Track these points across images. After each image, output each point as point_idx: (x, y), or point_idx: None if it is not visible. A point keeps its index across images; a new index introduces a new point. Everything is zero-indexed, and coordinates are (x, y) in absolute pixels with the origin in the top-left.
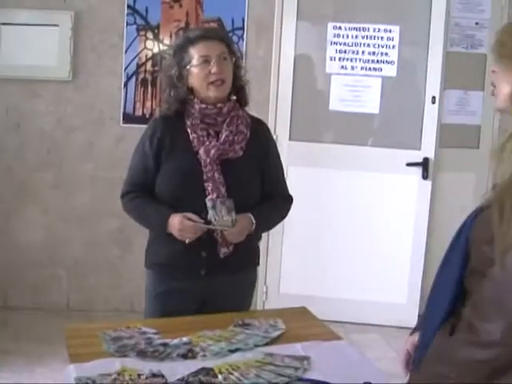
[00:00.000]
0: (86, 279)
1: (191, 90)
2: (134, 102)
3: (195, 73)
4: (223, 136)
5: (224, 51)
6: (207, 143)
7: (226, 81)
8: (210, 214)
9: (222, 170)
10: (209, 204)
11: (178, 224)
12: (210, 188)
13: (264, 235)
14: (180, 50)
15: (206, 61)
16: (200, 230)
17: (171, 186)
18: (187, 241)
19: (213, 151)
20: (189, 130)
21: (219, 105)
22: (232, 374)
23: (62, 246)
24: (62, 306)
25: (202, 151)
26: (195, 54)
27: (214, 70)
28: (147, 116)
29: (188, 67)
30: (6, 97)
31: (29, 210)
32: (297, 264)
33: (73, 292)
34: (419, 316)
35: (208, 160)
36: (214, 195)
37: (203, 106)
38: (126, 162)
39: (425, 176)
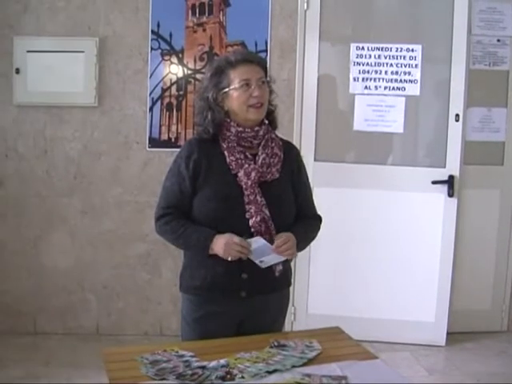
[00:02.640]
0: (114, 303)
1: (227, 113)
2: (160, 126)
3: (235, 96)
4: (260, 159)
5: (263, 75)
6: (246, 166)
7: (264, 104)
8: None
9: (261, 193)
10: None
11: (225, 240)
12: (252, 211)
13: None
14: (219, 73)
15: (247, 84)
16: (246, 250)
17: (211, 209)
18: (230, 258)
19: (253, 174)
20: (225, 153)
21: (256, 128)
22: None
23: (90, 270)
24: (91, 331)
25: (241, 174)
26: (236, 77)
27: (255, 93)
28: (173, 140)
29: (227, 90)
30: (32, 123)
31: (57, 235)
32: (324, 284)
33: (102, 316)
34: (448, 334)
35: (249, 183)
36: (258, 218)
37: (240, 129)
38: (153, 186)
39: (450, 193)
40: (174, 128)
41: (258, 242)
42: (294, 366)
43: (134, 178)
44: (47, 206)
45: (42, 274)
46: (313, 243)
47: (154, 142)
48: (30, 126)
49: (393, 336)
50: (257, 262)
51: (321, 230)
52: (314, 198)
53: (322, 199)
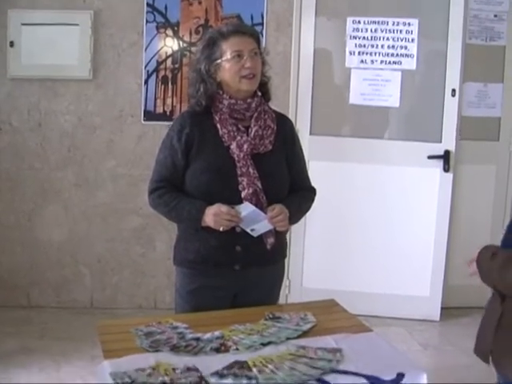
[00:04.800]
0: (108, 277)
1: (220, 85)
2: (155, 100)
3: (227, 67)
4: (253, 131)
5: (255, 47)
6: (239, 138)
7: (256, 75)
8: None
9: (254, 165)
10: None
11: (214, 210)
12: (244, 183)
13: None
14: (211, 45)
15: (238, 55)
16: (236, 218)
17: (204, 182)
18: (222, 229)
19: (245, 146)
20: (218, 125)
21: (248, 100)
22: (266, 366)
23: (84, 244)
24: (85, 304)
25: (234, 146)
26: (228, 48)
27: (247, 64)
28: (168, 113)
29: (219, 61)
30: (27, 96)
31: (51, 208)
32: (319, 258)
33: (96, 290)
34: (442, 309)
35: (241, 155)
36: (250, 190)
37: (233, 101)
38: (147, 159)
39: (446, 168)
40: (169, 101)
41: (246, 208)
42: (288, 339)
43: (129, 151)
44: (41, 180)
45: (36, 247)
46: (308, 217)
47: (149, 115)
48: (24, 100)
49: (387, 311)
50: (248, 230)
51: (316, 203)
52: (308, 171)
53: (318, 173)
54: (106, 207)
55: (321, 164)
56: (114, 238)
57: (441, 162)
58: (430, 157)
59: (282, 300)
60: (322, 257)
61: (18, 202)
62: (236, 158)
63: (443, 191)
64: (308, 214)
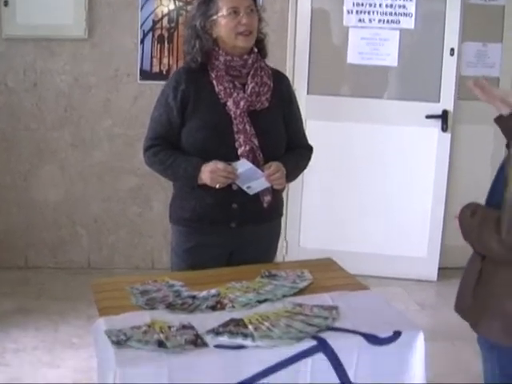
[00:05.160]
0: (105, 237)
1: (216, 42)
2: (151, 59)
3: (223, 23)
4: (249, 88)
5: (251, 3)
6: (235, 95)
7: (253, 32)
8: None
9: (250, 122)
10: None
11: (210, 167)
12: (241, 140)
13: None
14: (207, 1)
15: (235, 12)
16: (232, 174)
17: (200, 139)
18: (218, 186)
19: (242, 103)
20: (214, 82)
21: (245, 56)
22: (262, 323)
23: (81, 204)
24: (82, 265)
25: (230, 103)
26: (224, 5)
27: (243, 21)
28: (164, 72)
29: (215, 17)
30: (22, 56)
31: (47, 169)
32: (316, 218)
33: (93, 250)
34: (439, 269)
35: (238, 112)
36: (247, 147)
37: (229, 57)
38: (144, 118)
39: (444, 128)
40: (165, 60)
41: (243, 165)
42: (284, 296)
43: (125, 110)
44: (37, 140)
45: (32, 208)
46: (305, 177)
47: (145, 75)
48: (20, 60)
49: (385, 271)
50: (244, 187)
51: (313, 163)
52: (306, 130)
53: (315, 133)
54: (102, 167)
55: (318, 123)
56: (110, 198)
57: (439, 122)
58: (428, 116)
59: (279, 260)
60: (320, 217)
61: (14, 163)
62: (232, 115)
63: (441, 151)
64: (305, 173)
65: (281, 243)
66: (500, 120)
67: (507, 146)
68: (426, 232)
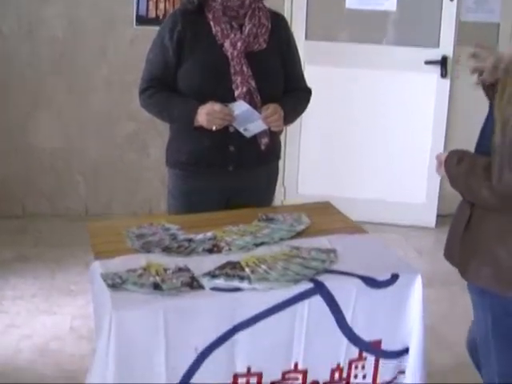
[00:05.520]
0: (103, 184)
1: None
2: (147, 4)
3: None
4: (247, 29)
5: None
6: (232, 36)
7: None
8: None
9: (248, 63)
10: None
11: (206, 109)
12: (238, 81)
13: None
14: None
15: None
16: (229, 116)
17: (196, 81)
18: (214, 128)
19: (239, 44)
20: (211, 24)
21: None
22: (259, 266)
23: (78, 151)
24: (80, 212)
25: (227, 44)
26: None
27: None
28: (160, 17)
29: None
30: (16, 3)
31: (43, 116)
32: (315, 164)
33: (90, 197)
34: (438, 216)
35: (235, 53)
36: (244, 89)
37: None
38: (140, 64)
39: (443, 74)
40: (161, 6)
41: (240, 106)
42: (282, 239)
43: (121, 56)
44: (33, 87)
45: (30, 156)
46: (303, 121)
47: (141, 20)
48: (14, 6)
49: (383, 217)
50: (241, 130)
51: (312, 108)
52: (304, 75)
53: (314, 78)
54: (98, 114)
55: (317, 69)
56: (107, 144)
57: (438, 68)
58: (427, 62)
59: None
60: (318, 163)
61: (11, 111)
62: (230, 57)
63: (440, 97)
64: (304, 118)
65: (278, 189)
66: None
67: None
68: (425, 178)
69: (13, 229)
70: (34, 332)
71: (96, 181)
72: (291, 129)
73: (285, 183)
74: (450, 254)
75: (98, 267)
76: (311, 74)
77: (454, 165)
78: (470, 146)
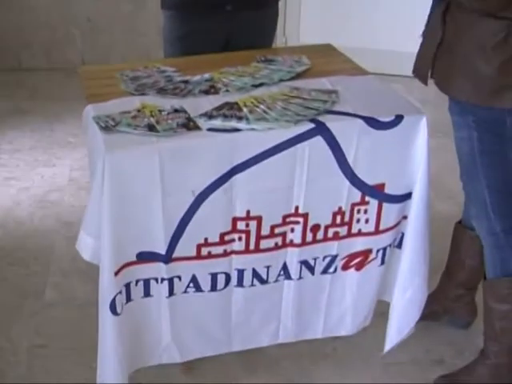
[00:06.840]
0: (99, 37)
1: None
2: None
3: None
4: None
5: None
6: None
7: None
8: None
9: None
10: None
11: None
12: None
13: None
14: None
15: None
16: None
17: None
18: None
19: None
20: None
21: None
22: (258, 106)
23: (73, 3)
24: (76, 65)
25: None
26: None
27: None
28: None
29: None
30: None
31: None
32: (317, 12)
33: (87, 50)
34: None
35: None
36: None
37: None
38: None
39: None
40: None
41: None
42: (281, 80)
43: None
44: None
45: (24, 9)
46: None
47: None
48: None
49: (387, 68)
50: None
51: None
52: None
53: None
54: None
55: None
56: None
57: None
58: None
59: None
60: (320, 11)
61: None
62: None
63: None
64: None
65: (280, 39)
66: None
67: None
68: None
69: (9, 82)
70: (32, 184)
71: (92, 33)
72: None
73: (286, 32)
74: (420, 73)
75: (90, 111)
76: None
77: None
78: None
